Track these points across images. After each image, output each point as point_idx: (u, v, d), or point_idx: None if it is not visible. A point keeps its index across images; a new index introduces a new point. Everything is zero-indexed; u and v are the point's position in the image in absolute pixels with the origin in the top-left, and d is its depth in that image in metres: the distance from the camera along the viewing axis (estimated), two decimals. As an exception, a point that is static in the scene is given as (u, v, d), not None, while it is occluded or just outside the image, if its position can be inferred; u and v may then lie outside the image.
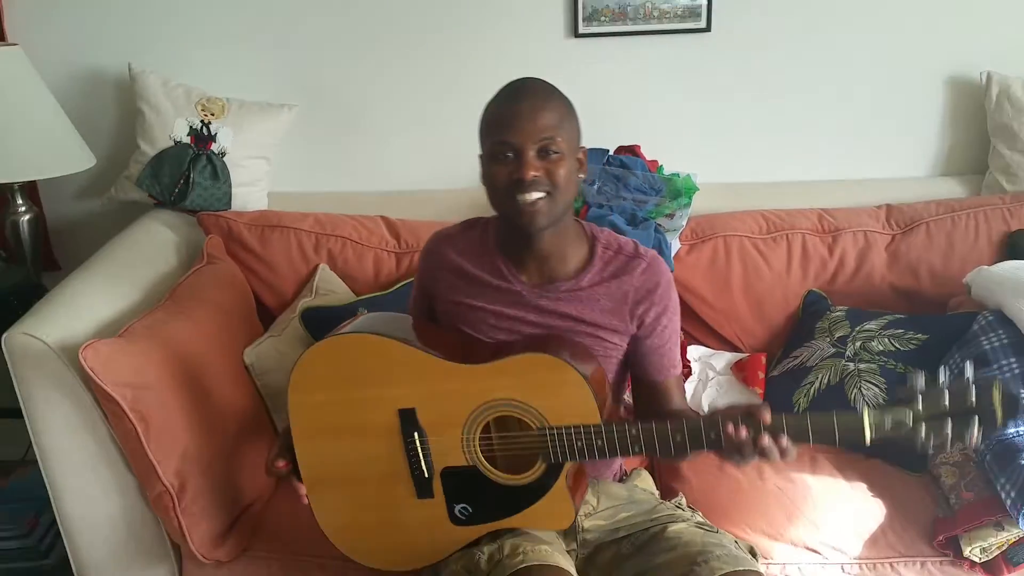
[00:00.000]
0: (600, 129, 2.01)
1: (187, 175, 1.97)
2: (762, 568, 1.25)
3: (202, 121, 2.00)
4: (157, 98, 1.99)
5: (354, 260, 1.96)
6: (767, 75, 2.11)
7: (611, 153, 2.03)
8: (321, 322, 1.77)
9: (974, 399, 1.08)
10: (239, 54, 2.11)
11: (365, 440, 1.26)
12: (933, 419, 1.09)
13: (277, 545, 1.53)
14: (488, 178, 1.27)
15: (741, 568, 1.18)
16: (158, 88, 2.00)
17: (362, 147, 2.17)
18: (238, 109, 2.03)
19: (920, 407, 1.10)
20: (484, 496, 1.26)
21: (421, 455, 1.25)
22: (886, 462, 1.64)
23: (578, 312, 1.30)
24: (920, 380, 1.10)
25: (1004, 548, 1.44)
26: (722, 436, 1.14)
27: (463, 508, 1.27)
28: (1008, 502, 1.39)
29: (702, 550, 1.22)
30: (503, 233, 1.35)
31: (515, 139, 1.22)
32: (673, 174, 2.00)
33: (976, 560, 1.45)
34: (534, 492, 1.24)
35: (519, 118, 1.22)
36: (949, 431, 1.08)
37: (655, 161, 2.04)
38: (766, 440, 1.11)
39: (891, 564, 1.49)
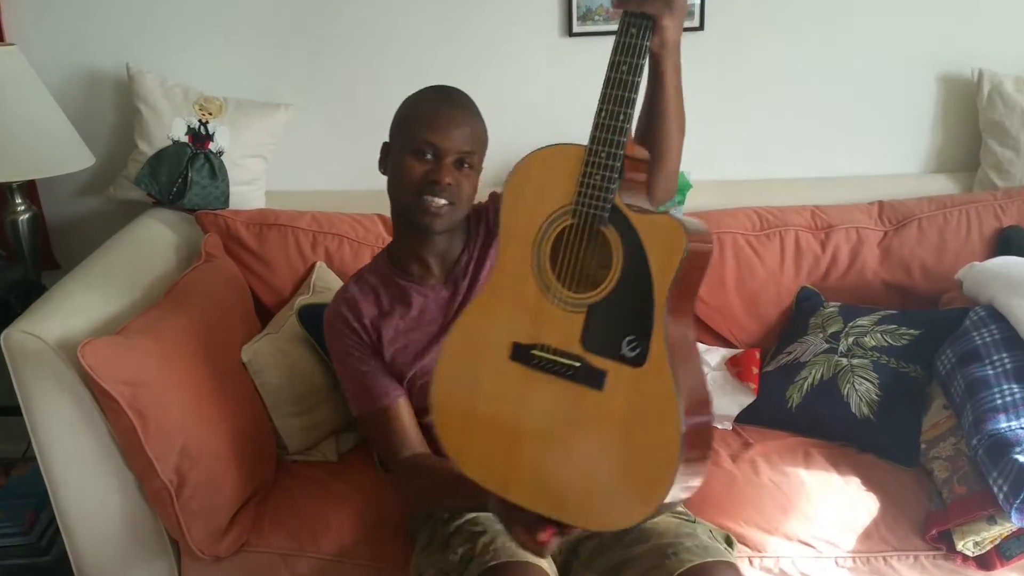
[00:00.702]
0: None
1: (185, 174, 1.95)
2: (734, 558, 1.24)
3: (200, 120, 1.98)
4: (155, 98, 1.97)
5: (351, 258, 1.93)
6: (760, 73, 2.08)
7: (604, 151, 2.01)
8: (319, 320, 1.66)
9: None
10: (236, 54, 2.08)
11: (531, 413, 1.06)
12: None
13: (276, 540, 1.51)
14: (400, 170, 1.27)
15: (710, 559, 1.16)
16: (156, 88, 1.98)
17: (359, 146, 2.03)
18: (235, 109, 2.01)
19: None
20: (625, 314, 1.03)
21: (557, 357, 1.05)
22: (879, 456, 1.62)
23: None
24: None
25: (997, 542, 1.42)
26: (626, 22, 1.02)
27: (629, 344, 1.02)
28: (1000, 496, 1.37)
29: (673, 541, 1.20)
30: (394, 254, 1.37)
31: (442, 143, 1.24)
32: (667, 172, 1.98)
33: (969, 554, 1.43)
34: (637, 249, 1.02)
35: (451, 124, 1.25)
36: None
37: (649, 159, 2.03)
38: None
39: (884, 558, 1.47)
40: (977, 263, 1.75)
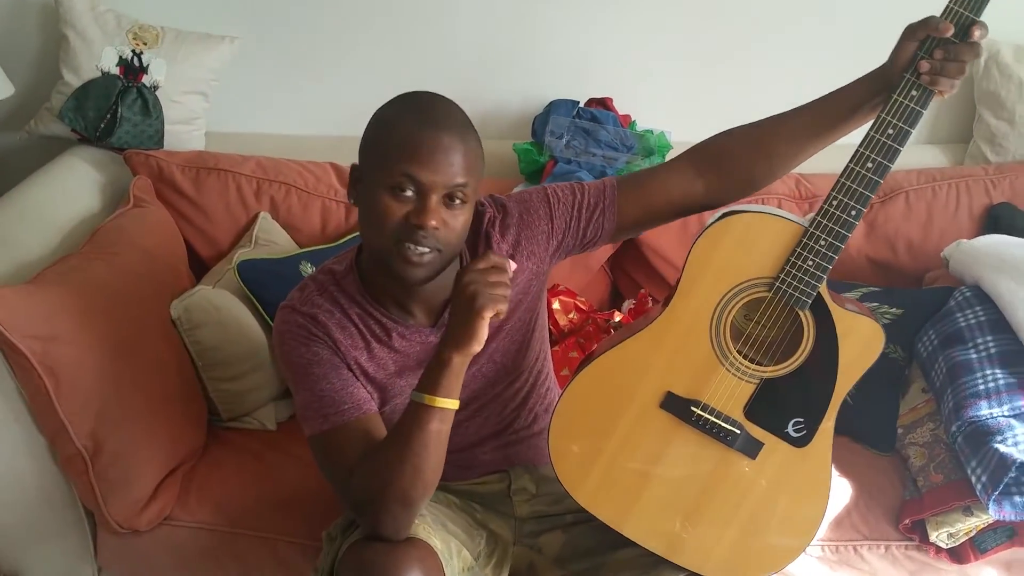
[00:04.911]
0: (571, 80, 2.02)
1: (114, 109, 1.88)
2: None
3: (133, 51, 1.91)
4: (84, 23, 1.89)
5: (299, 209, 1.89)
6: (746, 31, 2.04)
7: (581, 105, 1.96)
8: (260, 276, 1.69)
9: None
10: (176, -24, 2.00)
11: (669, 459, 1.15)
12: None
13: (203, 514, 1.49)
14: (375, 210, 1.06)
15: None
16: (85, 12, 1.89)
17: (312, 85, 2.08)
18: (174, 39, 1.94)
19: None
20: (799, 396, 1.12)
21: (718, 420, 1.13)
22: (854, 440, 1.61)
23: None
24: None
25: (972, 534, 1.43)
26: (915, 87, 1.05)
27: (795, 425, 1.12)
28: (979, 487, 1.37)
29: None
30: (367, 279, 1.17)
31: (427, 177, 1.03)
32: (646, 130, 1.93)
33: (943, 546, 1.44)
34: (830, 342, 1.10)
35: (438, 152, 1.03)
36: None
37: (628, 116, 1.98)
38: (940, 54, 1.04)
39: (855, 547, 1.48)
40: (964, 241, 1.74)
